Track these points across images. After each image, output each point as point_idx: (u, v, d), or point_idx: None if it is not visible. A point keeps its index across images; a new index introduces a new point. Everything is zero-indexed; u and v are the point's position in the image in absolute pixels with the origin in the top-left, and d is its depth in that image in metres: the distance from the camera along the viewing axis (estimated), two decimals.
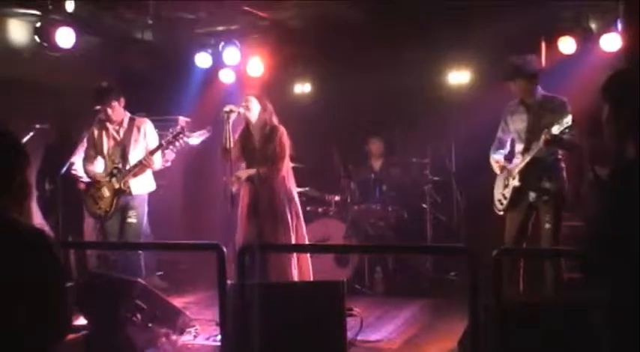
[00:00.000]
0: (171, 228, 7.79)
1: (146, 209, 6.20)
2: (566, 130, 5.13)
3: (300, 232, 5.96)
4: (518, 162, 5.51)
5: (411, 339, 5.51)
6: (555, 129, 5.12)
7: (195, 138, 6.18)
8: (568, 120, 5.04)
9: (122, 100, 6.11)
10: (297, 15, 7.45)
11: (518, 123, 5.59)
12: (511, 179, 5.53)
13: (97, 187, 6.06)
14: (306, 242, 6.15)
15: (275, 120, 5.92)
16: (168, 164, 6.41)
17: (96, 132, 6.17)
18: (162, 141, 6.02)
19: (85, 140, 6.32)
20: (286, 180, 5.92)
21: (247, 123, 5.89)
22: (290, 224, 5.85)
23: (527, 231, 5.56)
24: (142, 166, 5.96)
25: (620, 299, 2.23)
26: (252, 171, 5.80)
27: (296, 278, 5.80)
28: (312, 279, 5.91)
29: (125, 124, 6.14)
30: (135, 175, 5.99)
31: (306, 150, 7.40)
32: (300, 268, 5.88)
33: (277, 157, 5.80)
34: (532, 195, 5.46)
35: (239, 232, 5.80)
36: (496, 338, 3.61)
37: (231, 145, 5.62)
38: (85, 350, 4.72)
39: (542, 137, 5.23)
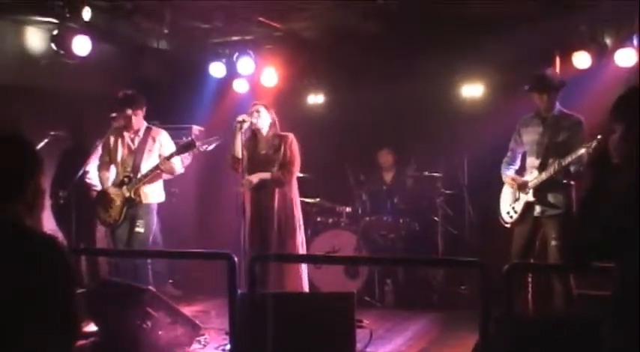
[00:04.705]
0: (183, 236, 7.81)
1: (155, 219, 6.20)
2: (576, 161, 5.17)
3: (300, 241, 5.92)
4: (533, 178, 5.48)
5: None
6: (567, 160, 5.17)
7: (207, 146, 6.17)
8: (582, 152, 5.06)
9: (144, 109, 6.16)
10: (311, 26, 7.48)
11: (531, 135, 5.58)
12: (523, 194, 5.51)
13: (108, 195, 6.08)
14: (304, 252, 6.11)
15: (279, 130, 5.92)
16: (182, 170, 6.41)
17: (112, 139, 6.19)
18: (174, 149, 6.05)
19: (99, 148, 6.36)
20: (293, 187, 5.92)
21: (255, 132, 5.87)
22: (297, 231, 5.85)
23: (534, 246, 5.53)
24: (158, 173, 5.97)
25: (622, 290, 2.25)
26: (266, 174, 5.73)
27: (306, 288, 5.79)
28: (306, 290, 5.88)
29: (141, 134, 6.15)
30: (147, 183, 6.01)
31: (318, 160, 7.40)
32: (302, 278, 5.86)
33: (290, 163, 5.79)
34: (537, 209, 5.45)
35: (246, 240, 5.72)
36: None
37: (242, 155, 5.61)
38: None
39: (553, 167, 5.30)
